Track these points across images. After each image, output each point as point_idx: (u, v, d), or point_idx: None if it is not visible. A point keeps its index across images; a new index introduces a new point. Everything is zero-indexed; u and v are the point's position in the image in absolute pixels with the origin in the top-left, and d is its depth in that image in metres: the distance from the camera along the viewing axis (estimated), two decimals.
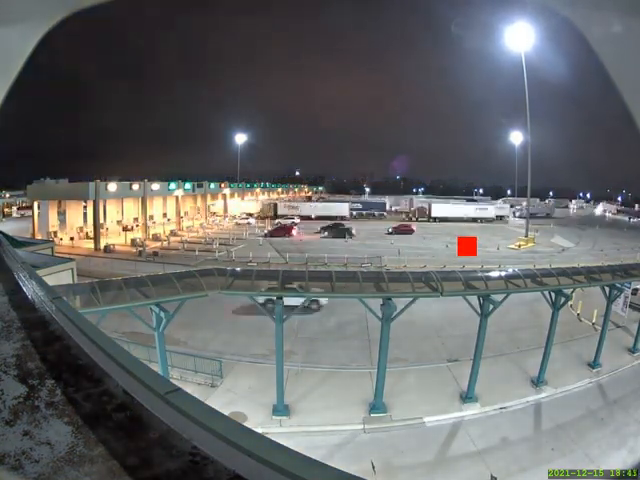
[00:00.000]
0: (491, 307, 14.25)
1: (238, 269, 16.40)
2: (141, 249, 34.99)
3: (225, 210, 63.16)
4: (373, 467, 10.56)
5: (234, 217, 58.51)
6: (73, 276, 16.23)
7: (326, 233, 45.24)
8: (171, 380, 4.65)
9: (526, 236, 43.51)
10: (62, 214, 43.70)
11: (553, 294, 15.46)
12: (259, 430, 7.66)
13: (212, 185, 60.60)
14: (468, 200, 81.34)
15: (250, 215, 58.86)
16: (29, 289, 4.70)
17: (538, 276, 15.75)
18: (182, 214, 52.81)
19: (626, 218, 74.48)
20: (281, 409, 13.22)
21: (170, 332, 14.42)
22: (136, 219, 48.10)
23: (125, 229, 44.78)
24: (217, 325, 19.21)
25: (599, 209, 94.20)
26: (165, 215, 53.29)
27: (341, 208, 61.26)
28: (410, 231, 48.26)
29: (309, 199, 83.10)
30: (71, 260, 17.96)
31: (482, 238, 39.99)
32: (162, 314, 12.60)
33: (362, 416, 13.24)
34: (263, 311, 14.16)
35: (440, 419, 13.19)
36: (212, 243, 38.36)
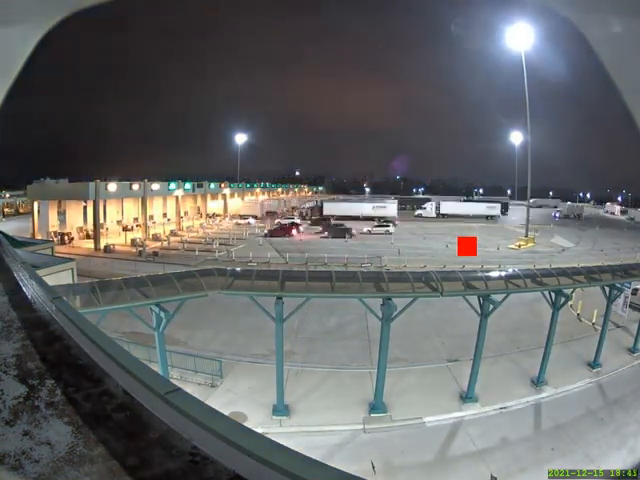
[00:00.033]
0: (491, 307, 14.25)
1: (238, 269, 16.39)
2: (141, 249, 34.99)
3: (225, 210, 63.13)
4: (373, 467, 10.56)
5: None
6: (73, 276, 16.22)
7: (326, 233, 45.20)
8: (171, 380, 4.65)
9: (526, 236, 43.53)
10: (62, 214, 43.71)
11: (553, 294, 15.46)
12: (259, 430, 7.66)
13: (212, 185, 60.58)
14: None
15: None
16: (29, 289, 4.70)
17: (538, 276, 15.74)
18: (182, 214, 52.82)
19: None
20: (281, 409, 13.22)
21: (170, 332, 14.42)
22: (136, 219, 48.09)
23: (125, 229, 44.78)
24: (217, 325, 19.21)
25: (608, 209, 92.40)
26: (165, 215, 53.28)
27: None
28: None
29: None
30: (71, 260, 17.96)
31: (482, 238, 39.97)
32: (162, 314, 12.60)
33: (362, 416, 13.24)
34: (263, 311, 14.15)
35: (440, 419, 13.18)
36: (212, 243, 38.37)
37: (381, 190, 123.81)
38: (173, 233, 45.59)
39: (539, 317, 18.49)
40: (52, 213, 42.01)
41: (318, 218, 56.20)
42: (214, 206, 63.14)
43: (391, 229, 47.94)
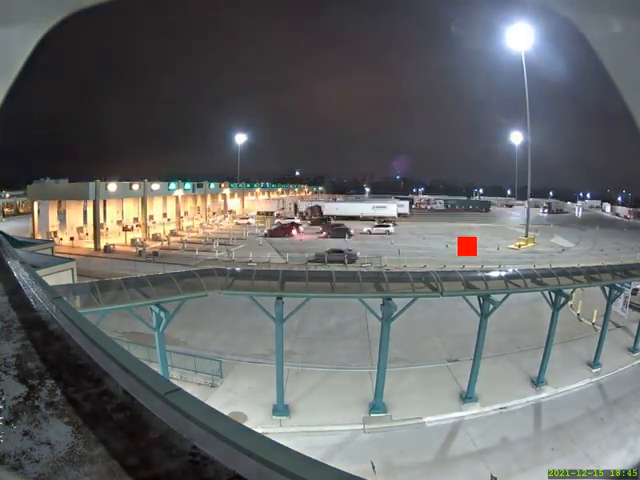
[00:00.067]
0: (491, 307, 14.25)
1: (238, 269, 16.39)
2: (141, 249, 34.99)
3: (225, 210, 63.13)
4: (373, 467, 10.57)
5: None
6: (73, 276, 16.23)
7: (325, 233, 45.18)
8: (171, 380, 4.66)
9: (526, 236, 43.53)
10: (62, 214, 43.71)
11: (553, 294, 15.46)
12: (259, 430, 7.66)
13: (212, 185, 60.58)
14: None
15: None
16: (29, 289, 4.70)
17: (538, 276, 15.74)
18: (182, 214, 52.83)
19: None
20: (281, 409, 13.22)
21: (170, 332, 14.42)
22: (136, 219, 48.09)
23: (125, 229, 44.78)
24: (217, 325, 19.21)
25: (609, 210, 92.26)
26: (165, 215, 53.28)
27: (392, 209, 61.51)
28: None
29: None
30: (71, 260, 17.97)
31: (482, 238, 39.98)
32: (162, 314, 12.60)
33: (362, 416, 13.23)
34: (263, 311, 14.15)
35: (440, 419, 13.18)
36: (212, 243, 38.38)
37: (381, 190, 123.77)
38: (173, 233, 45.59)
39: (539, 317, 18.48)
40: (52, 213, 42.02)
41: (318, 218, 56.24)
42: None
43: (391, 229, 47.94)
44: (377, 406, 13.43)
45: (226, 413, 2.10)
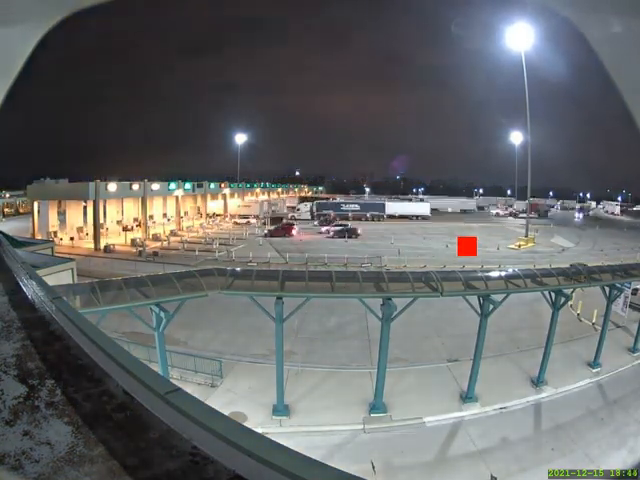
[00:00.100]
0: (491, 307, 14.25)
1: (238, 269, 16.38)
2: (141, 249, 34.99)
3: (225, 210, 63.12)
4: (373, 467, 10.57)
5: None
6: (73, 276, 16.22)
7: (331, 233, 45.26)
8: (171, 380, 4.65)
9: (526, 236, 43.54)
10: (62, 214, 43.71)
11: (553, 294, 15.47)
12: (259, 430, 7.66)
13: (212, 185, 60.53)
14: None
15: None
16: (29, 289, 4.70)
17: (538, 276, 15.75)
18: (182, 214, 52.82)
19: None
20: (281, 409, 13.22)
21: (170, 332, 14.42)
22: (136, 219, 48.10)
23: (125, 229, 44.79)
24: (217, 325, 19.21)
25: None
26: (165, 215, 53.29)
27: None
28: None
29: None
30: (71, 260, 17.96)
31: (482, 238, 39.99)
32: (162, 314, 12.60)
33: (362, 416, 13.23)
34: (263, 311, 14.15)
35: (440, 419, 13.18)
36: (212, 243, 38.38)
37: (381, 190, 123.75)
38: (173, 233, 45.59)
39: (539, 317, 18.49)
40: (52, 213, 42.00)
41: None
42: (214, 206, 63.19)
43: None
44: (377, 406, 13.43)
45: (226, 413, 2.10)
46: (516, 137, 63.10)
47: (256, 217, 56.96)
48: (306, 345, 17.64)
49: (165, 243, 40.20)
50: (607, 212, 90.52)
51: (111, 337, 3.23)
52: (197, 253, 34.19)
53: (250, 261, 30.84)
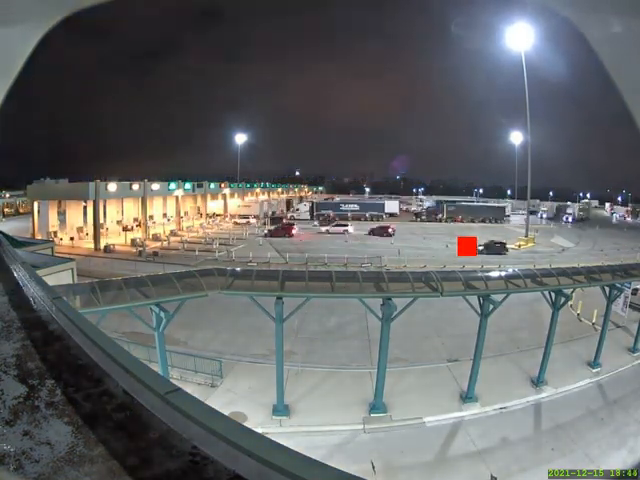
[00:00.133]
0: (491, 307, 14.25)
1: (238, 269, 16.40)
2: (141, 249, 34.99)
3: (225, 210, 63.10)
4: (373, 467, 10.57)
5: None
6: (73, 276, 16.21)
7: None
8: (171, 380, 4.65)
9: (526, 236, 43.52)
10: (62, 214, 43.71)
11: (553, 294, 15.46)
12: (259, 430, 7.65)
13: (212, 185, 60.53)
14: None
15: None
16: (29, 289, 4.70)
17: (538, 276, 15.75)
18: (182, 214, 52.82)
19: None
20: (281, 409, 13.22)
21: (170, 332, 14.42)
22: (136, 219, 48.10)
23: (125, 229, 44.79)
24: (217, 325, 19.21)
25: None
26: (165, 215, 53.28)
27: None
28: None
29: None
30: (71, 260, 17.96)
31: (482, 238, 39.96)
32: (162, 314, 12.60)
33: (362, 416, 13.23)
34: (263, 311, 14.15)
35: (440, 419, 13.18)
36: (212, 243, 38.38)
37: (381, 190, 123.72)
38: (173, 233, 45.59)
39: (539, 317, 18.49)
40: (52, 213, 42.01)
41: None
42: (214, 206, 63.22)
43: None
44: (377, 406, 13.43)
45: (226, 413, 2.10)
46: (516, 137, 63.01)
47: (256, 217, 57.04)
48: (306, 345, 17.64)
49: (165, 243, 40.20)
50: (614, 214, 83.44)
51: (111, 337, 3.23)
52: (197, 253, 34.19)
53: (250, 261, 30.83)
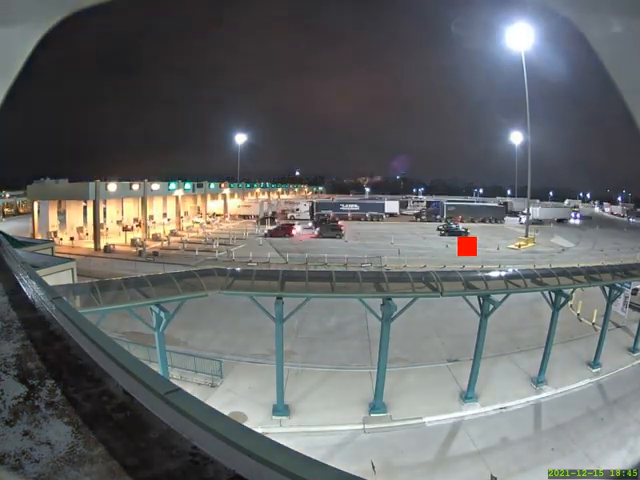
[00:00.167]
0: (491, 307, 14.25)
1: (238, 269, 16.39)
2: (141, 249, 35.00)
3: (225, 210, 63.13)
4: (373, 467, 10.56)
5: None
6: (73, 276, 16.22)
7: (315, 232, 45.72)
8: (171, 380, 4.65)
9: (526, 236, 43.54)
10: (62, 214, 43.71)
11: (553, 294, 15.46)
12: (259, 430, 7.66)
13: (212, 185, 60.56)
14: None
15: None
16: (29, 289, 4.70)
17: (538, 276, 15.75)
18: (182, 214, 52.83)
19: None
20: (281, 409, 13.22)
21: (170, 332, 14.42)
22: (136, 219, 48.11)
23: (125, 229, 44.80)
24: (217, 325, 19.21)
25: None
26: (165, 215, 53.29)
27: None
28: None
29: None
30: (71, 260, 17.96)
31: (482, 238, 40.00)
32: (162, 314, 12.60)
33: (362, 416, 13.23)
34: (263, 311, 14.15)
35: (440, 419, 13.18)
36: (212, 243, 38.39)
37: (381, 190, 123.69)
38: (173, 233, 45.60)
39: (539, 317, 18.49)
40: (52, 213, 42.01)
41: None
42: (214, 206, 63.21)
43: None
44: (377, 406, 13.43)
45: (226, 413, 2.10)
46: (516, 137, 63.14)
47: (255, 217, 57.13)
48: (306, 345, 17.64)
49: (165, 243, 40.21)
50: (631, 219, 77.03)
51: (111, 337, 3.23)
52: (197, 253, 34.20)
53: (250, 261, 30.83)
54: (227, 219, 59.25)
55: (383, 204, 65.89)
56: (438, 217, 60.57)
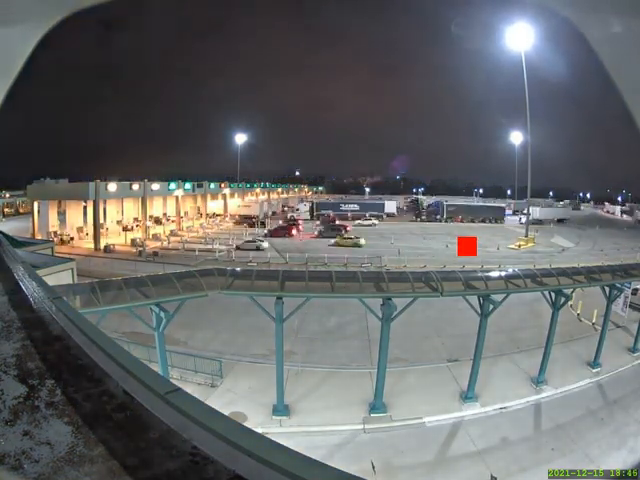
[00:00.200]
0: (491, 307, 14.25)
1: (238, 269, 16.40)
2: (141, 249, 35.01)
3: (225, 210, 63.11)
4: (373, 467, 10.57)
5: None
6: (73, 276, 16.22)
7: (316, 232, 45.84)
8: (171, 380, 4.66)
9: (526, 236, 43.54)
10: (62, 214, 43.72)
11: (553, 294, 15.46)
12: (259, 430, 7.66)
13: (212, 185, 60.56)
14: None
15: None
16: (29, 289, 4.70)
17: (538, 276, 15.75)
18: (182, 214, 52.83)
19: None
20: (281, 409, 13.22)
21: (170, 332, 14.42)
22: (136, 219, 48.11)
23: (125, 229, 44.81)
24: (217, 325, 19.21)
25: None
26: (165, 215, 53.29)
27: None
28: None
29: None
30: (71, 260, 17.96)
31: (482, 238, 40.01)
32: (162, 314, 12.60)
33: (362, 416, 13.24)
34: (263, 311, 14.15)
35: (440, 419, 13.19)
36: (212, 243, 38.39)
37: (381, 190, 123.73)
38: (173, 233, 45.60)
39: (539, 317, 18.49)
40: (52, 213, 42.03)
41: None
42: (214, 206, 63.20)
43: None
44: (377, 406, 13.43)
45: (226, 413, 2.10)
46: (516, 137, 63.07)
47: (255, 217, 57.17)
48: (306, 345, 17.64)
49: (165, 243, 40.21)
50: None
51: (111, 337, 3.23)
52: (197, 253, 34.21)
53: (250, 261, 30.85)
54: (227, 219, 59.25)
55: (383, 204, 65.99)
56: (438, 217, 60.62)
